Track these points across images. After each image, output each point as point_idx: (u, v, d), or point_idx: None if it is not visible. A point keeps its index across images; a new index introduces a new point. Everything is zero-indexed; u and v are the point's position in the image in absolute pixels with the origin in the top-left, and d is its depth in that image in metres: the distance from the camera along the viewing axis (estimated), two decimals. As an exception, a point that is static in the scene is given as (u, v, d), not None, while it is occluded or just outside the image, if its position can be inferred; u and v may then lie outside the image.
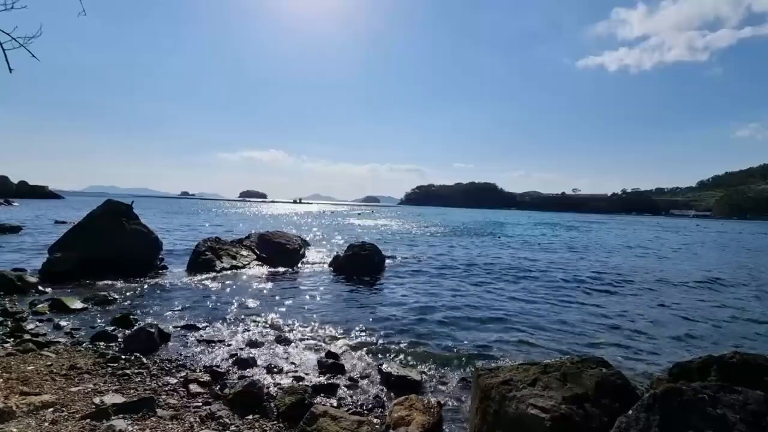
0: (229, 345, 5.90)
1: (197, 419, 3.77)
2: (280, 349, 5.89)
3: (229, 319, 7.21)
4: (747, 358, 2.93)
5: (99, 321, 6.71)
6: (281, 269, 12.68)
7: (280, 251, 13.81)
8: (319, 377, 4.99)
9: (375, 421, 3.93)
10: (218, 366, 5.09)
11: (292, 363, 5.39)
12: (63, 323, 6.47)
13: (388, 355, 5.91)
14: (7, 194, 60.69)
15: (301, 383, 4.71)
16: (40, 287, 8.54)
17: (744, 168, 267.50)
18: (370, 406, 4.37)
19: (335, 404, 4.32)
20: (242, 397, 4.11)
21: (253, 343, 5.97)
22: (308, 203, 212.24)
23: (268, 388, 4.52)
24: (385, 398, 4.53)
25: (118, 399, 3.89)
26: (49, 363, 4.77)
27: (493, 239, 29.21)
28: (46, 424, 3.42)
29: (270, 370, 5.09)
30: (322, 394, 4.54)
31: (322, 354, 5.69)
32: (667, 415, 2.42)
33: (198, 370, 4.91)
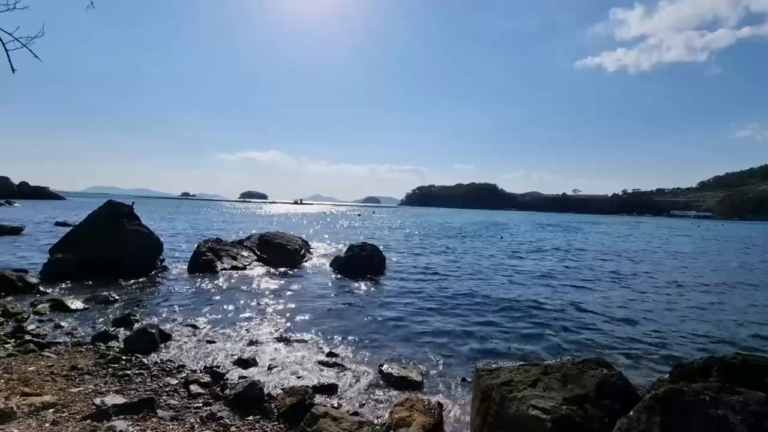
0: (230, 346, 5.90)
1: (198, 420, 3.77)
2: (280, 349, 5.89)
3: (230, 320, 7.21)
4: (748, 359, 2.92)
5: (100, 321, 6.72)
6: (282, 270, 12.67)
7: (280, 252, 13.81)
8: (319, 378, 4.99)
9: (376, 421, 3.93)
10: (219, 366, 5.09)
11: (293, 363, 5.39)
12: (64, 324, 6.47)
13: (388, 355, 5.91)
14: (9, 195, 60.77)
15: (301, 384, 4.71)
16: (41, 288, 8.55)
17: (745, 168, 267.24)
18: (371, 406, 4.37)
19: (336, 405, 4.32)
20: (243, 397, 4.11)
21: (253, 344, 5.97)
22: (309, 204, 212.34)
23: (268, 388, 4.52)
24: (385, 399, 4.53)
25: (119, 400, 3.89)
26: (50, 363, 4.78)
27: (494, 240, 29.21)
28: (47, 424, 3.43)
29: (271, 370, 5.09)
30: (322, 395, 4.54)
31: (323, 354, 5.69)
32: (668, 416, 2.42)
33: (199, 371, 4.92)
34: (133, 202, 12.33)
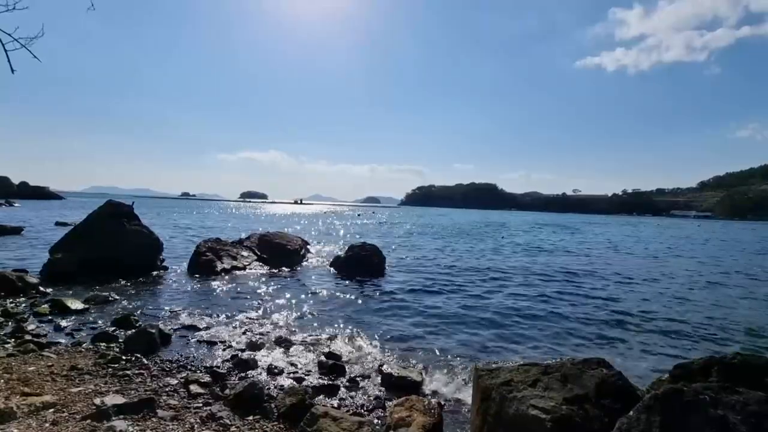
0: (230, 346, 5.90)
1: (198, 420, 3.77)
2: (280, 349, 5.89)
3: (230, 320, 7.21)
4: (748, 359, 2.91)
5: (100, 322, 6.72)
6: (282, 270, 12.68)
7: (280, 252, 13.81)
8: (319, 378, 4.99)
9: (375, 421, 3.94)
10: (219, 367, 5.09)
11: (293, 364, 5.39)
12: (64, 324, 6.47)
13: (388, 355, 5.92)
14: (9, 195, 60.71)
15: (301, 384, 4.71)
16: (41, 288, 8.54)
17: (745, 168, 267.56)
18: (371, 406, 4.37)
19: (336, 405, 4.32)
20: (243, 398, 4.11)
21: (253, 344, 5.97)
22: (309, 204, 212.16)
23: (268, 389, 4.52)
24: (385, 399, 4.53)
25: (119, 400, 3.89)
26: (50, 364, 4.78)
27: (494, 241, 29.21)
28: (47, 424, 3.43)
29: (270, 370, 5.09)
30: (322, 395, 4.54)
31: (323, 355, 5.69)
32: (668, 416, 2.42)
33: (199, 371, 4.92)
34: (133, 202, 12.33)
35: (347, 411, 4.08)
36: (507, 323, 7.86)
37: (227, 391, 4.36)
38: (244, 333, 6.54)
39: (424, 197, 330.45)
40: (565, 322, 8.10)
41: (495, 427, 3.15)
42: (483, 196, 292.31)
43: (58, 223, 24.88)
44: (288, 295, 9.39)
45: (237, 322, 7.10)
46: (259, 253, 13.65)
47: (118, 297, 8.24)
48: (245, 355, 5.49)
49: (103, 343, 5.67)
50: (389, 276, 12.60)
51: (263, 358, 5.51)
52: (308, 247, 17.03)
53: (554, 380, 3.24)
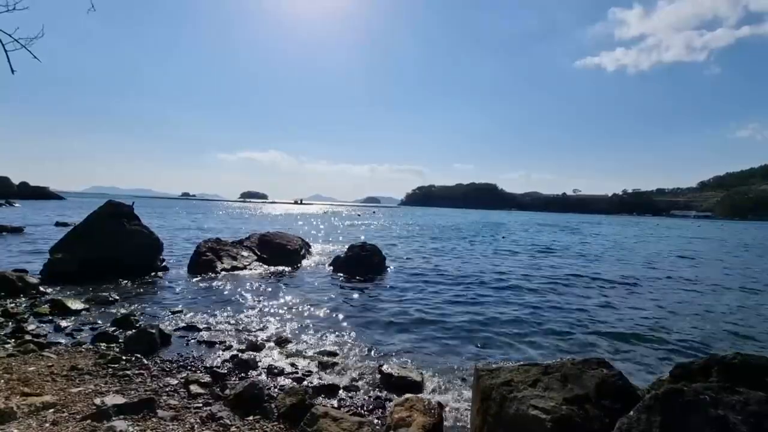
0: (230, 346, 5.90)
1: (198, 420, 3.78)
2: (280, 350, 5.88)
3: (230, 320, 7.21)
4: (748, 359, 2.91)
5: (100, 322, 6.72)
6: (282, 270, 12.68)
7: (280, 252, 13.81)
8: (319, 378, 4.99)
9: (376, 421, 3.94)
10: (219, 367, 5.09)
11: (293, 364, 5.39)
12: (64, 324, 6.47)
13: (388, 355, 5.91)
14: (9, 195, 60.64)
15: (301, 384, 4.71)
16: (41, 288, 8.54)
17: (745, 168, 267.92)
18: (371, 407, 4.37)
19: (336, 405, 4.32)
20: (243, 398, 4.11)
21: (253, 345, 5.96)
22: (309, 204, 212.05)
23: (268, 389, 4.52)
24: (385, 399, 4.53)
25: (119, 400, 3.89)
26: (50, 364, 4.78)
27: (494, 241, 29.21)
28: (47, 424, 3.43)
29: (270, 371, 5.09)
30: (322, 395, 4.54)
31: (323, 355, 5.69)
32: (668, 415, 2.42)
33: (199, 371, 4.92)
34: (133, 202, 12.32)
35: (347, 411, 4.08)
36: (506, 324, 7.86)
37: (227, 392, 4.36)
38: (244, 333, 6.53)
39: (424, 197, 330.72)
40: (565, 322, 8.10)
41: (495, 427, 3.15)
42: (483, 196, 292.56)
43: (58, 223, 24.87)
44: (288, 296, 9.38)
45: (237, 322, 7.10)
46: (259, 253, 13.65)
47: (118, 297, 8.23)
48: (245, 355, 5.49)
49: (104, 344, 5.68)
50: (389, 276, 12.60)
51: (263, 358, 5.51)
52: (308, 247, 17.02)
53: (554, 380, 3.24)
